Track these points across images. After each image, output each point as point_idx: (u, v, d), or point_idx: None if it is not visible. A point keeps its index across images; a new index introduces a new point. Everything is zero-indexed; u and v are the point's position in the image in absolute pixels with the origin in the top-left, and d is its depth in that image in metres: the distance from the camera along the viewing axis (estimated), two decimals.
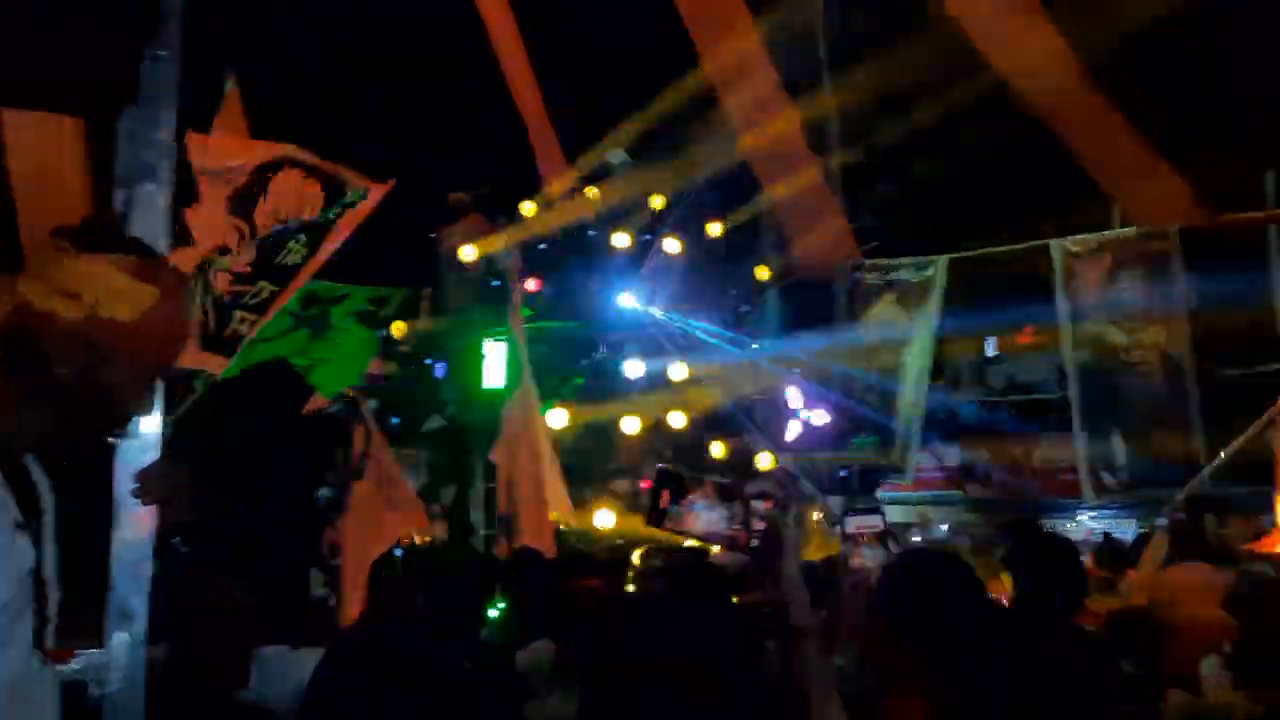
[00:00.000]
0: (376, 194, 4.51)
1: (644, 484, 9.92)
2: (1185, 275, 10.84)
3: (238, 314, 4.42)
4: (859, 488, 10.94)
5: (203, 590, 3.54)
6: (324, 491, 9.08)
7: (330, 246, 4.50)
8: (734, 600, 4.43)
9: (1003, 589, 6.75)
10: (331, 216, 4.48)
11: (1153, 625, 5.81)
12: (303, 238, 4.46)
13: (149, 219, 2.84)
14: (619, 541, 8.19)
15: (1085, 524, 12.29)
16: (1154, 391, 11.00)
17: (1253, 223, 10.65)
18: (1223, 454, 8.64)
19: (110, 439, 2.37)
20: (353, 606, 5.22)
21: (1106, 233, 11.42)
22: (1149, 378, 11.06)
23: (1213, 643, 5.57)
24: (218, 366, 4.49)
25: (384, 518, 5.84)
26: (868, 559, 3.46)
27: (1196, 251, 10.93)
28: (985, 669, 2.12)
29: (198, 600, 3.41)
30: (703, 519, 6.32)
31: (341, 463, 7.03)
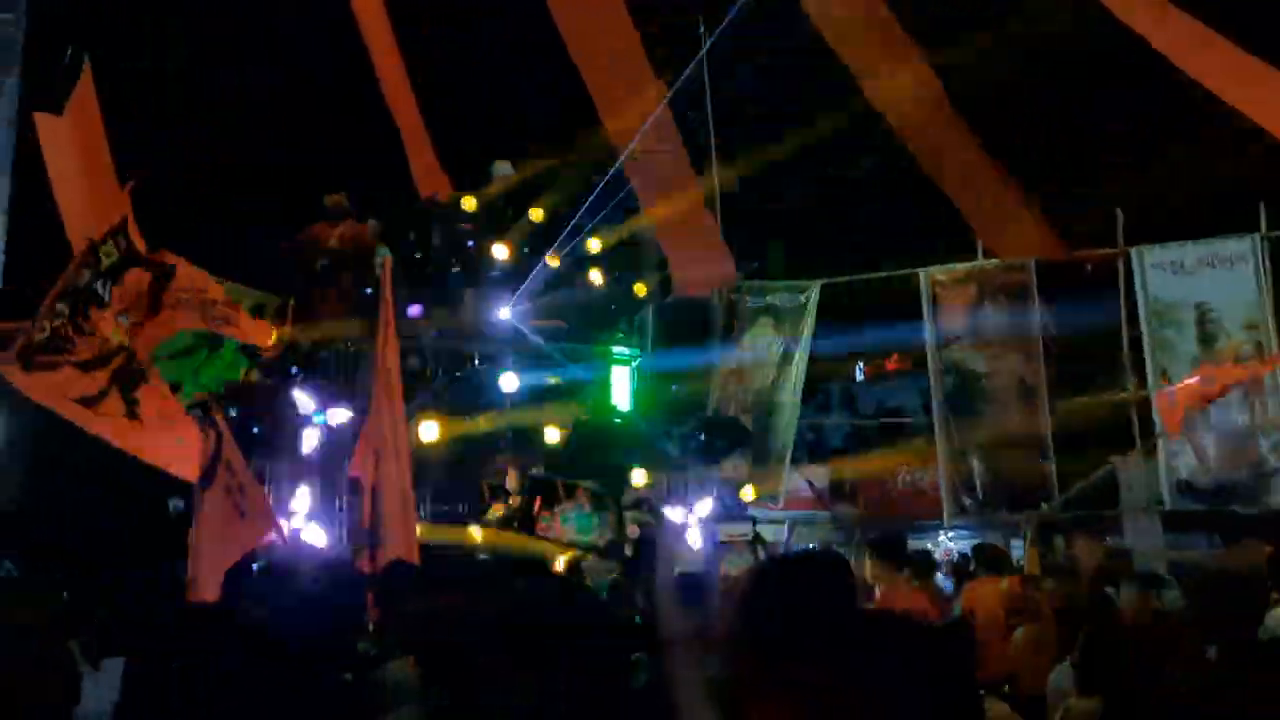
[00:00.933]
0: None
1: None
2: (1042, 306, 11.40)
3: None
4: (730, 504, 11.00)
5: (12, 605, 3.30)
6: (175, 501, 8.63)
7: None
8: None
9: None
10: None
11: (967, 637, 6.02)
12: None
13: None
14: (483, 556, 8.03)
15: (944, 544, 12.69)
16: (1011, 416, 11.48)
17: (1104, 258, 11.23)
18: (1077, 486, 9.05)
19: None
20: None
21: (971, 263, 11.89)
22: (1007, 403, 11.55)
23: (1011, 653, 5.79)
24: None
25: (235, 525, 5.57)
26: (736, 565, 3.46)
27: (1053, 284, 11.51)
28: (852, 675, 2.10)
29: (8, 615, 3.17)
30: (574, 527, 6.19)
31: None
